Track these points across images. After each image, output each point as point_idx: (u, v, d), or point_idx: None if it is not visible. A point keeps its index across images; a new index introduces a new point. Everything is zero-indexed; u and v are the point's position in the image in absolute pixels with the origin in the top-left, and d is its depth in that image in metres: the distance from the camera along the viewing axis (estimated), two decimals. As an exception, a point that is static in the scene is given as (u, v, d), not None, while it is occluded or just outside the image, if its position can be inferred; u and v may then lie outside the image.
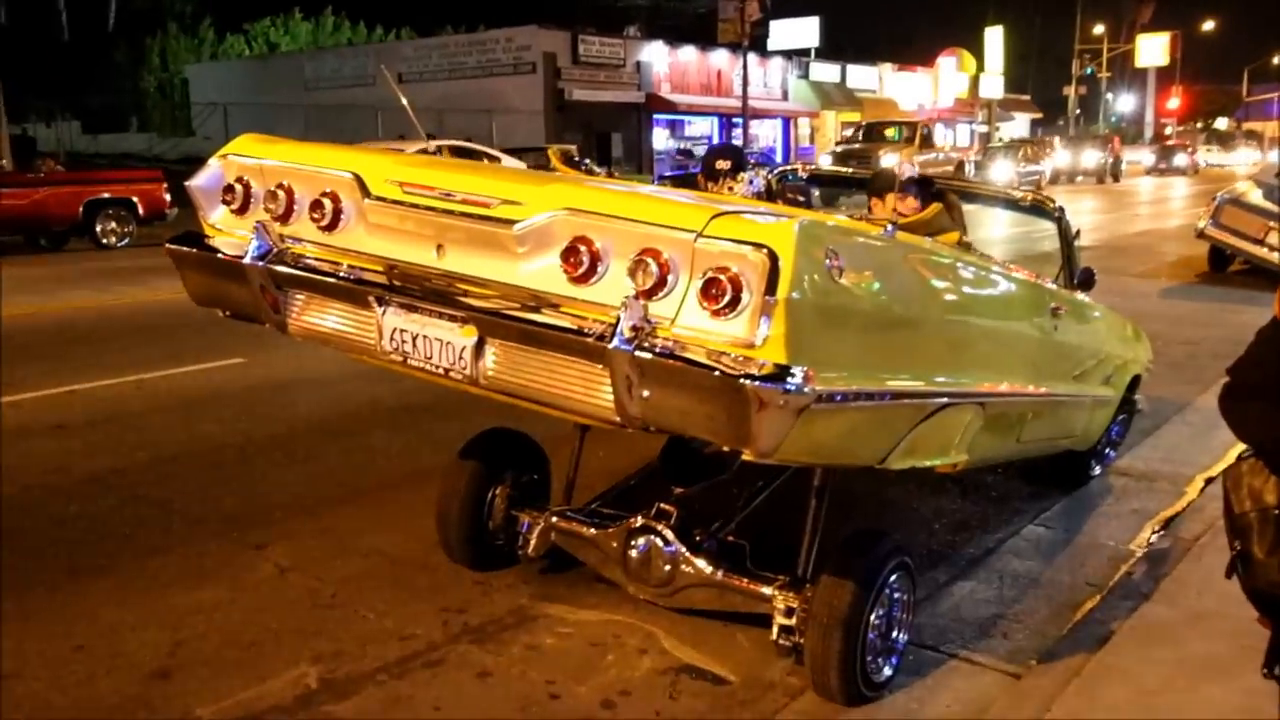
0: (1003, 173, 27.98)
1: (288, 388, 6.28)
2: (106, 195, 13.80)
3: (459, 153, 14.25)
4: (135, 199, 13.99)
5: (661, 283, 2.24)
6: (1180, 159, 39.45)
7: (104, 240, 13.70)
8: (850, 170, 5.65)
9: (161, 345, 7.32)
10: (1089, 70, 49.36)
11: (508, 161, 15.04)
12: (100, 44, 38.52)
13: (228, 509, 4.29)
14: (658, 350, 2.23)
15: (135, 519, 4.19)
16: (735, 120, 29.78)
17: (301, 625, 3.31)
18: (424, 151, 6.21)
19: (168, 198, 14.12)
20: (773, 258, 2.13)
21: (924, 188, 3.95)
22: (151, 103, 38.95)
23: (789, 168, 5.20)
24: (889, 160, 20.76)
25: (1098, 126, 52.05)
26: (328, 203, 2.80)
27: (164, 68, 39.28)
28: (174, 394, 6.14)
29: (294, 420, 5.63)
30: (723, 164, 3.80)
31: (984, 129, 44.64)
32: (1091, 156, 35.07)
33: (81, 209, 13.47)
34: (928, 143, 27.62)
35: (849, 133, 31.33)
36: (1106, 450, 5.04)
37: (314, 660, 3.09)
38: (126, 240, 13.84)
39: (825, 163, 21.07)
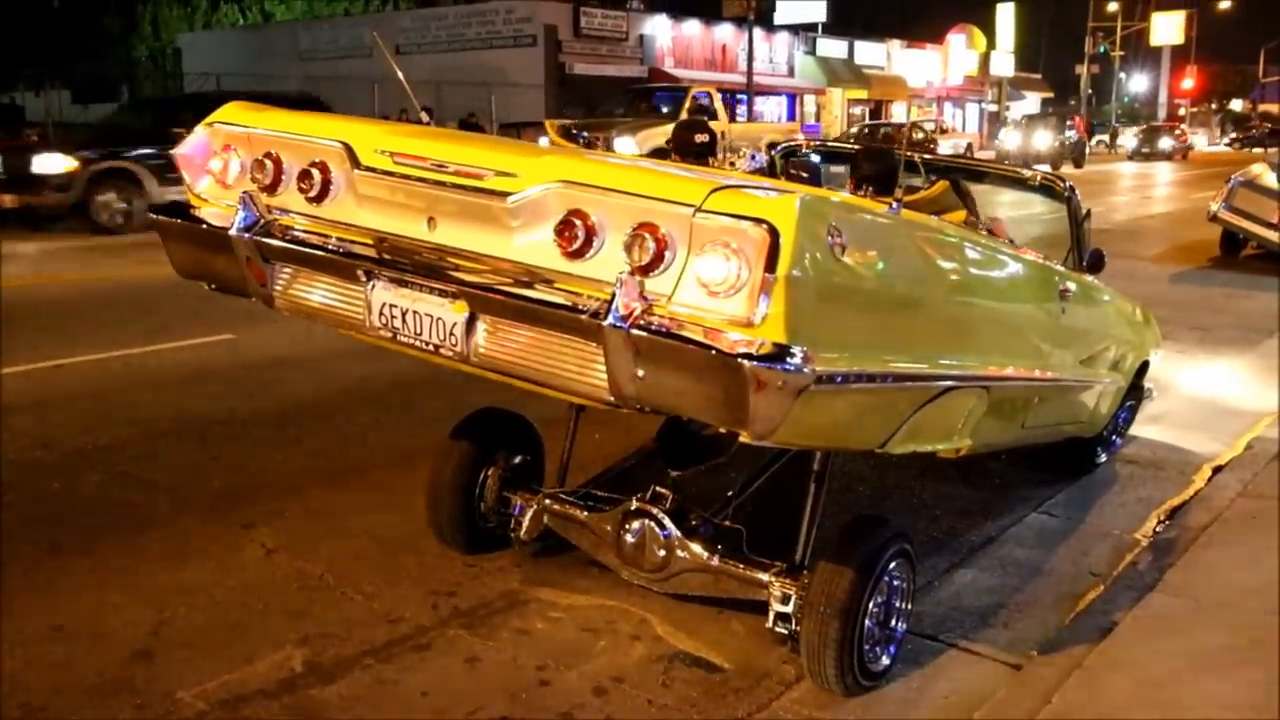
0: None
1: (277, 365, 6.19)
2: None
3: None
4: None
5: (658, 258, 2.17)
6: (1166, 142, 36.86)
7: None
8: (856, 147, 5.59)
9: (149, 320, 7.21)
10: (1102, 48, 48.17)
11: None
12: (91, 11, 37.85)
13: (214, 488, 4.22)
14: (653, 328, 2.16)
15: (119, 497, 4.11)
16: (739, 97, 29.49)
17: (287, 607, 3.25)
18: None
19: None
20: (773, 233, 2.06)
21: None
22: (143, 72, 38.40)
23: (794, 144, 5.10)
24: (622, 142, 16.45)
25: (1110, 107, 51.32)
26: (316, 173, 2.73)
27: (156, 36, 38.75)
28: (161, 370, 6.05)
29: (283, 398, 5.55)
30: (701, 138, 3.69)
31: (994, 108, 44.23)
32: (1044, 139, 29.66)
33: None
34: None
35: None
36: (1113, 437, 4.97)
37: (300, 643, 3.03)
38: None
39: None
